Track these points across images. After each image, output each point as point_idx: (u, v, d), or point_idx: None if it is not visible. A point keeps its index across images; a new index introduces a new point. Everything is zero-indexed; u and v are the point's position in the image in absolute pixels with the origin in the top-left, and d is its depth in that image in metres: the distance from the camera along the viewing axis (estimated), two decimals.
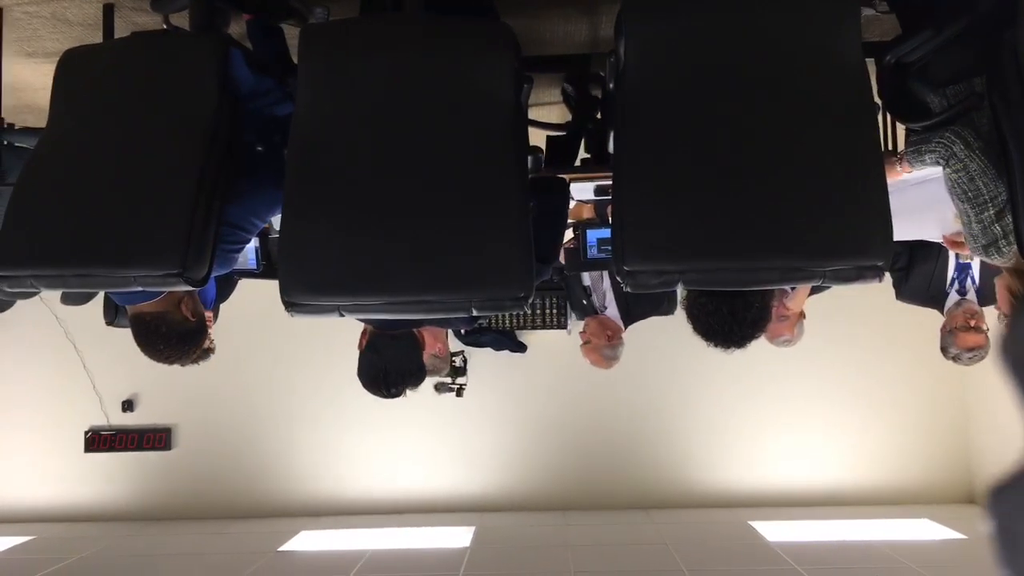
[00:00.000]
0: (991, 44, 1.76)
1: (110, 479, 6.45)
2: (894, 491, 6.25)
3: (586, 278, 3.73)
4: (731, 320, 2.07)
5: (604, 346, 3.60)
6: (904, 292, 3.36)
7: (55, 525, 6.21)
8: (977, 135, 1.93)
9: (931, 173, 2.15)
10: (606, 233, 3.00)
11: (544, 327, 6.37)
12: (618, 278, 1.76)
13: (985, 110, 1.91)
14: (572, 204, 2.91)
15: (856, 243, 1.66)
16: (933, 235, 2.81)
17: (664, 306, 3.59)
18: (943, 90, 2.06)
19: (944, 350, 3.23)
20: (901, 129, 2.64)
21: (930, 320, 3.44)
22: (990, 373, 4.76)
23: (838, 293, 2.86)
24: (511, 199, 1.78)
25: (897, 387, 6.33)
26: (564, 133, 2.76)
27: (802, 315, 3.39)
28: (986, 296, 3.17)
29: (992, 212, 1.90)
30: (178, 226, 1.82)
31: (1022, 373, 0.27)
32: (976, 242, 1.99)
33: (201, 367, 2.58)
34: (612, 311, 3.68)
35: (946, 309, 3.27)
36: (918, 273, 3.26)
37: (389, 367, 2.49)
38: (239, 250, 2.26)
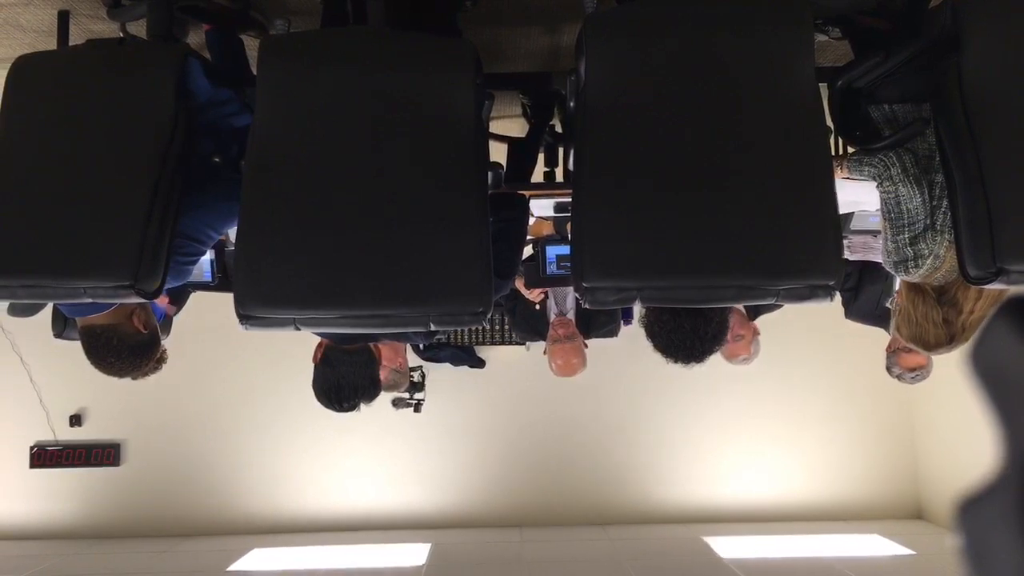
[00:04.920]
0: (938, 71, 1.82)
1: (56, 496, 6.26)
2: (844, 507, 6.35)
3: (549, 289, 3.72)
4: (692, 336, 2.10)
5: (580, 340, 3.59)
6: (853, 311, 3.45)
7: None
8: (916, 160, 2.01)
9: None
10: (565, 250, 3.02)
11: (503, 343, 6.38)
12: (576, 294, 1.78)
13: (928, 135, 1.98)
14: (532, 220, 2.93)
15: (809, 263, 1.70)
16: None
17: (611, 327, 3.62)
18: (892, 113, 2.14)
19: (889, 369, 3.32)
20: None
21: (879, 339, 3.52)
22: (936, 391, 4.89)
23: (790, 313, 2.92)
24: (470, 214, 1.78)
25: (846, 405, 6.45)
26: (523, 146, 2.78)
27: (757, 332, 3.44)
28: None
29: (907, 236, 2.02)
30: (131, 237, 1.79)
31: (991, 384, 0.28)
32: (889, 257, 2.13)
33: (153, 381, 2.53)
34: (571, 317, 3.69)
35: (891, 330, 3.36)
36: (866, 293, 3.35)
37: (343, 381, 2.47)
38: (194, 262, 2.23)
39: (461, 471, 6.42)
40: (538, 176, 2.82)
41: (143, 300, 1.86)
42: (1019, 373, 0.26)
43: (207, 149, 2.15)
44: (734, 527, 6.10)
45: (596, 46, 1.84)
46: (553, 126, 2.87)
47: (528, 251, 3.16)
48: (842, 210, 1.79)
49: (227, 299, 1.82)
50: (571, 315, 3.68)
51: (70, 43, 2.73)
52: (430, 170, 1.81)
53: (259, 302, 1.75)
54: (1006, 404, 0.28)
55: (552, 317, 3.71)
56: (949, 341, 2.29)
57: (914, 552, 5.45)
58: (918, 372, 3.24)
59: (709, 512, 6.33)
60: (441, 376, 6.41)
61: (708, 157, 1.75)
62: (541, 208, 2.74)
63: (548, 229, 3.49)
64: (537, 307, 3.74)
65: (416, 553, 5.60)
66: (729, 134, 1.77)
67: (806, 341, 6.13)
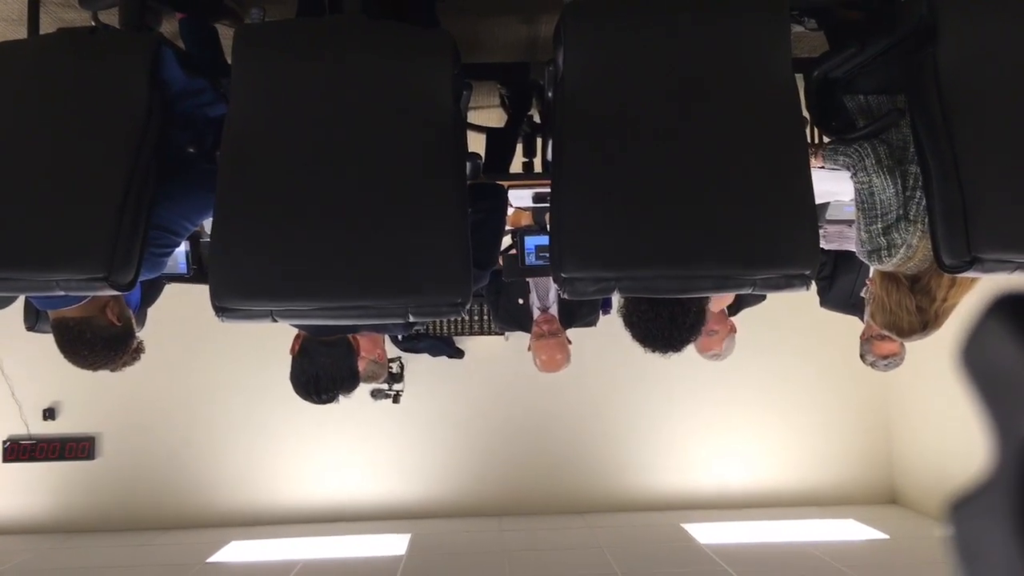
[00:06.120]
0: (913, 62, 1.84)
1: (30, 490, 6.20)
2: (819, 492, 6.44)
3: (531, 283, 3.72)
4: (670, 326, 2.12)
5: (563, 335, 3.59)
6: (828, 300, 3.48)
7: None
8: (890, 151, 2.03)
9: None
10: (544, 240, 3.02)
11: (482, 333, 6.38)
12: (555, 284, 1.78)
13: (902, 124, 2.00)
14: (510, 211, 2.93)
15: (785, 252, 1.71)
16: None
17: (592, 317, 3.63)
18: (867, 104, 2.15)
19: (863, 357, 3.36)
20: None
21: (853, 327, 3.56)
22: (911, 377, 4.95)
23: (767, 301, 2.94)
24: (449, 204, 1.78)
25: (822, 392, 6.53)
26: (502, 136, 2.78)
27: (733, 330, 3.46)
28: None
29: (880, 226, 2.05)
30: (104, 228, 1.76)
31: (982, 383, 0.28)
32: (863, 247, 2.15)
33: (128, 373, 2.50)
34: (554, 311, 3.69)
35: (865, 317, 3.40)
36: (841, 282, 3.38)
37: (321, 373, 2.46)
38: (168, 253, 2.20)
39: (440, 461, 6.43)
40: (516, 167, 2.82)
41: (116, 292, 1.84)
42: (1010, 372, 0.26)
43: (181, 139, 2.13)
44: (713, 513, 6.17)
45: (574, 36, 1.83)
46: (531, 116, 2.87)
47: (507, 242, 3.15)
48: (817, 200, 1.80)
49: (203, 291, 1.80)
50: (553, 308, 3.68)
51: (41, 32, 2.68)
52: (408, 160, 1.80)
53: (235, 294, 1.74)
54: (997, 403, 0.28)
55: (535, 312, 3.72)
56: (922, 328, 2.32)
57: (888, 536, 5.54)
58: (892, 359, 3.28)
59: (687, 499, 6.39)
60: (420, 367, 6.41)
61: (685, 147, 1.76)
62: (519, 198, 2.74)
63: (527, 220, 3.49)
64: (520, 301, 3.74)
65: (395, 543, 5.60)
66: (707, 124, 1.77)
67: (781, 329, 6.18)
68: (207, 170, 1.94)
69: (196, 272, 3.00)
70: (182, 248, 2.89)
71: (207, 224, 2.29)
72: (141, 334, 2.53)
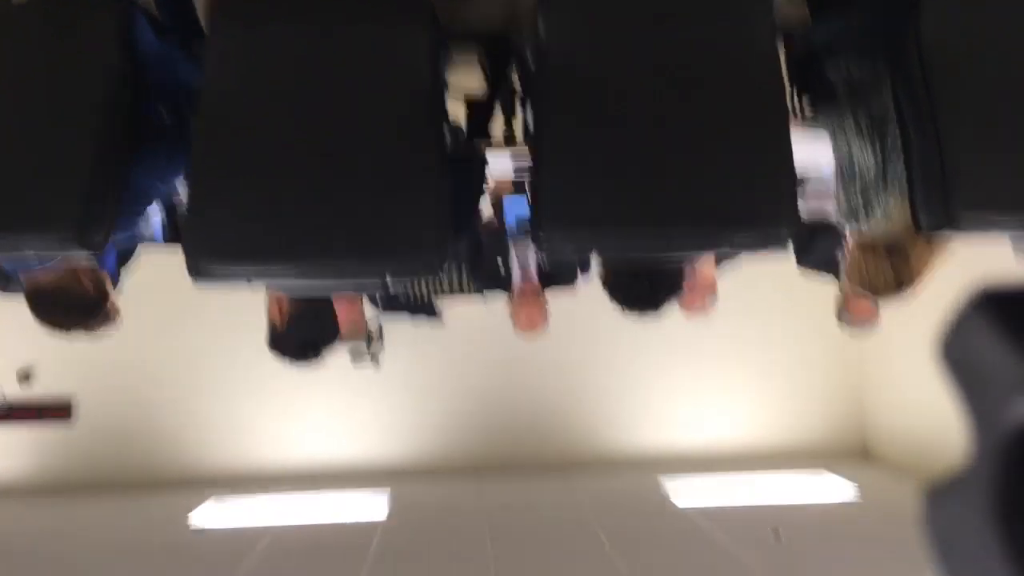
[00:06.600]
0: (894, 29, 1.83)
1: (7, 454, 6.18)
2: (794, 448, 6.56)
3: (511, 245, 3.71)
4: (650, 289, 2.13)
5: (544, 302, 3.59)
6: (804, 260, 3.51)
7: None
8: (870, 115, 2.04)
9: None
10: (523, 204, 3.01)
11: (461, 292, 6.36)
12: (535, 247, 1.78)
13: (883, 91, 2.01)
14: (491, 181, 2.91)
15: (764, 213, 1.72)
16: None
17: (571, 278, 3.64)
18: (847, 70, 2.15)
19: (838, 317, 3.40)
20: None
21: (829, 287, 3.59)
22: (884, 336, 5.02)
23: (744, 261, 2.96)
24: (427, 168, 1.77)
25: (797, 351, 6.63)
26: (482, 106, 2.75)
27: (714, 286, 3.48)
28: None
29: (858, 190, 2.06)
30: (75, 191, 1.74)
31: (961, 376, 0.28)
32: (841, 211, 2.17)
33: (105, 337, 2.48)
34: (533, 272, 3.69)
35: (841, 278, 3.43)
36: (818, 243, 3.40)
37: (314, 338, 2.47)
38: (141, 216, 2.17)
39: (420, 421, 6.47)
40: (497, 137, 2.80)
41: (89, 255, 1.82)
42: (990, 366, 0.27)
43: (155, 103, 2.09)
44: (691, 470, 6.26)
45: (556, 3, 1.82)
46: (512, 85, 2.84)
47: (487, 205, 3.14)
48: (799, 170, 1.81)
49: (181, 257, 1.78)
50: (533, 270, 3.69)
51: None
52: (387, 124, 1.78)
53: (211, 257, 1.72)
54: (977, 396, 0.28)
55: (515, 273, 3.72)
56: (897, 289, 2.35)
57: (859, 491, 5.68)
58: (867, 321, 3.32)
59: (666, 456, 6.49)
60: (399, 329, 6.39)
61: (666, 111, 1.75)
62: (500, 168, 2.72)
63: (508, 189, 3.47)
64: (500, 263, 3.75)
65: (375, 502, 5.65)
66: (688, 90, 1.77)
67: (757, 289, 6.23)
68: (181, 134, 1.92)
69: (172, 236, 2.96)
70: (158, 217, 2.86)
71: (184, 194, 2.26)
72: (118, 299, 2.50)
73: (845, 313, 3.35)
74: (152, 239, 2.88)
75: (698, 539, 4.67)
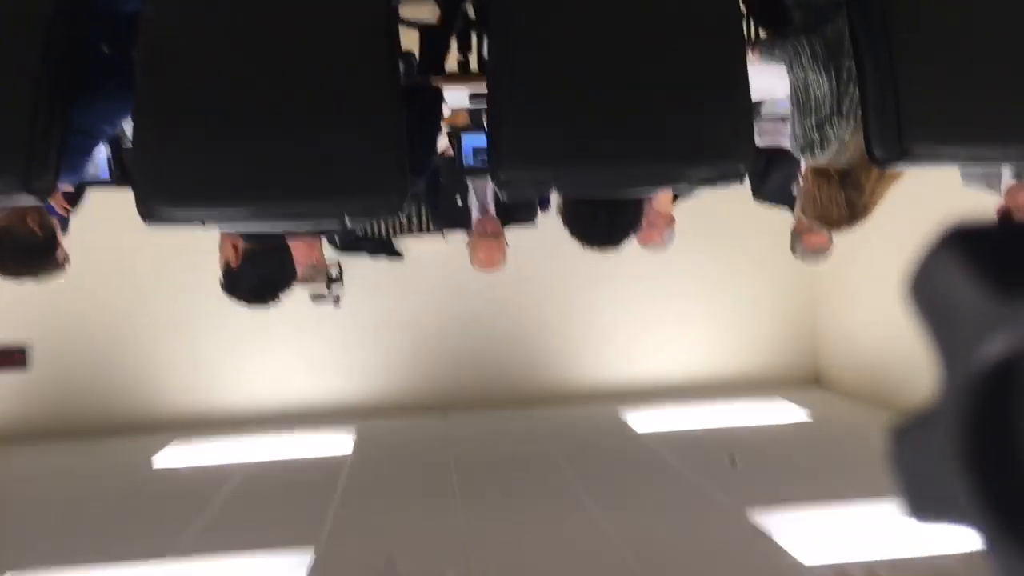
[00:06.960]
0: None
1: None
2: (748, 377, 6.74)
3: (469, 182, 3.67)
4: (608, 224, 2.14)
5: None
6: (760, 193, 3.55)
7: None
8: (826, 45, 2.04)
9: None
10: (482, 141, 2.97)
11: (421, 231, 6.31)
12: (493, 184, 1.77)
13: (838, 21, 2.00)
14: (447, 112, 2.86)
15: (720, 148, 1.73)
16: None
17: (531, 214, 3.63)
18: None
19: (792, 249, 3.47)
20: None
21: (784, 219, 3.64)
22: (836, 265, 5.13)
23: (700, 194, 2.98)
24: (382, 104, 1.73)
25: (751, 282, 6.75)
26: (436, 34, 2.68)
27: (672, 220, 3.50)
28: None
29: (814, 121, 2.09)
30: (17, 133, 1.67)
31: (930, 314, 0.28)
32: (796, 141, 2.19)
33: (59, 280, 2.43)
34: (492, 210, 3.67)
35: (796, 211, 3.47)
36: (774, 176, 3.43)
37: (269, 278, 2.44)
38: (88, 157, 2.11)
39: (383, 361, 6.49)
40: (452, 65, 2.74)
41: (35, 198, 1.76)
42: (959, 306, 0.27)
43: (96, 37, 2.00)
44: (650, 401, 6.40)
45: None
46: (466, 12, 2.77)
47: (444, 142, 3.10)
48: (753, 97, 1.81)
49: (130, 195, 1.73)
50: (492, 207, 3.67)
51: None
52: (339, 58, 1.73)
53: (162, 198, 1.68)
54: (946, 336, 0.28)
55: (474, 211, 3.70)
56: (851, 220, 2.39)
57: (811, 415, 5.88)
58: (820, 251, 3.38)
59: (624, 388, 6.61)
60: (359, 269, 6.35)
61: (623, 45, 1.73)
62: (456, 99, 2.68)
63: (464, 120, 3.41)
64: (459, 200, 3.72)
65: (341, 441, 5.69)
66: (644, 22, 1.75)
67: (713, 222, 6.29)
68: (125, 69, 1.84)
69: (119, 177, 2.88)
70: (104, 154, 2.77)
71: (128, 129, 2.19)
72: (66, 242, 2.44)
73: (799, 243, 3.41)
74: (96, 177, 2.80)
75: (657, 464, 4.81)
